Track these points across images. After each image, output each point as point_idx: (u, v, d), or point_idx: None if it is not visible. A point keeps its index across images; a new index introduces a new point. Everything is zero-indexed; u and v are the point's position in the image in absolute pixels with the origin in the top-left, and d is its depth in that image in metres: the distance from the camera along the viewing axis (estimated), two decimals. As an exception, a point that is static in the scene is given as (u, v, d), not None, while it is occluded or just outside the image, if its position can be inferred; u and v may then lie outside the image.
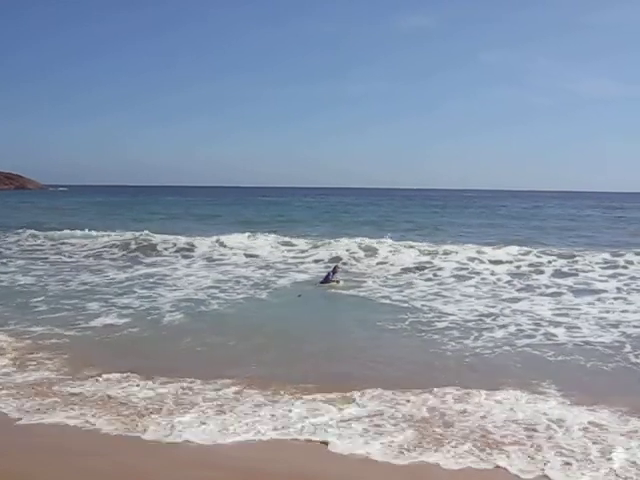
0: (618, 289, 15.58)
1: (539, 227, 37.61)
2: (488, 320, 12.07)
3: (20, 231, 28.03)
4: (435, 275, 17.81)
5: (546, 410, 7.33)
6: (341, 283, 15.69)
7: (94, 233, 26.92)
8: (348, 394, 7.73)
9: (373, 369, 9.05)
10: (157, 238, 24.68)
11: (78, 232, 27.47)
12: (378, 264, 19.85)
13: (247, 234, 25.05)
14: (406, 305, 13.55)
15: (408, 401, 7.59)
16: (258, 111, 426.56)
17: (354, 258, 20.74)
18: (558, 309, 13.16)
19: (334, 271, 16.21)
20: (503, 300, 14.19)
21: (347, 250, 21.59)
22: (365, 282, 16.31)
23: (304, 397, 7.64)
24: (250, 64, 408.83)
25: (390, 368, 9.14)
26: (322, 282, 15.89)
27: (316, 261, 20.36)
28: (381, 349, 10.23)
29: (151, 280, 16.48)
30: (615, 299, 14.34)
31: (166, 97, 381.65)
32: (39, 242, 25.83)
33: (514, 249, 20.92)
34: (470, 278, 17.17)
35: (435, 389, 7.97)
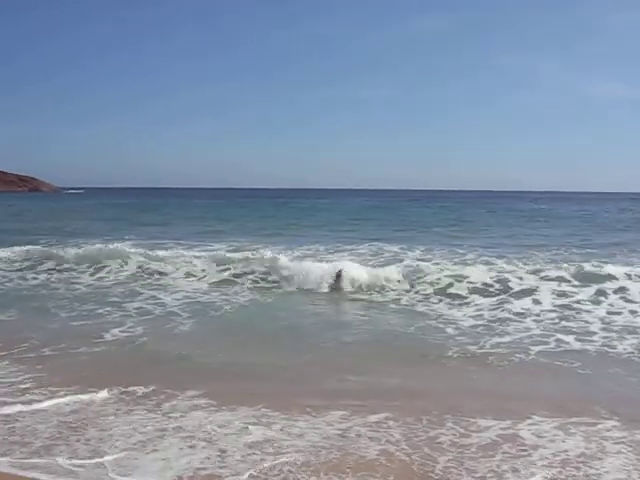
0: None
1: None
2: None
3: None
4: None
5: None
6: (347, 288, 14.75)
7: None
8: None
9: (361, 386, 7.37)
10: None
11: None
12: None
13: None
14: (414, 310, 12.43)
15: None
16: (264, 114, 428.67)
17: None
18: None
19: (338, 276, 15.19)
20: None
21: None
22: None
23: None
24: (257, 67, 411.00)
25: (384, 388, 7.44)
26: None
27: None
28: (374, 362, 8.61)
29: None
30: None
31: (170, 99, 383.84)
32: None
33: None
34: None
35: (425, 418, 6.17)
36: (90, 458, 5.26)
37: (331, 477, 4.94)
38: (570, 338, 9.68)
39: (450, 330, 10.33)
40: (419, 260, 16.59)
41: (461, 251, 19.26)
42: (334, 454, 5.36)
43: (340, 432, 5.86)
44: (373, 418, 6.20)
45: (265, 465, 5.14)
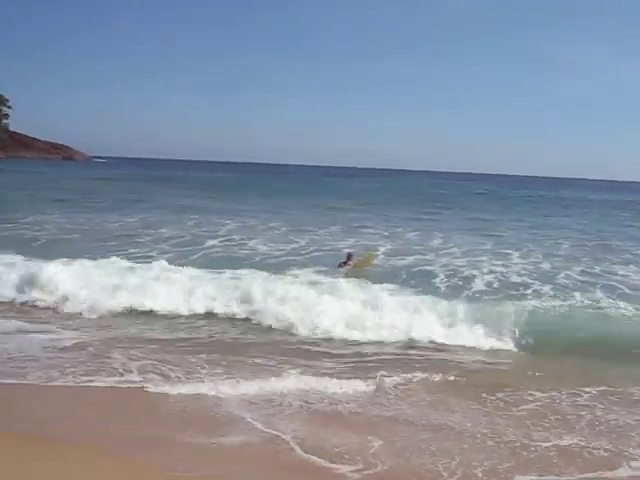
0: None
1: None
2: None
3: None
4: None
5: None
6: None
7: None
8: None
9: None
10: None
11: None
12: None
13: None
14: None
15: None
16: (287, 87, 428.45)
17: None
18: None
19: (348, 259, 15.01)
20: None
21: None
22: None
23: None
24: (286, 37, 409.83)
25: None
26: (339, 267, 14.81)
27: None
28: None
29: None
30: None
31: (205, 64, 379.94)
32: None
33: None
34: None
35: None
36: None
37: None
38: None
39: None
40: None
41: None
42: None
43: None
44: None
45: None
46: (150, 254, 15.65)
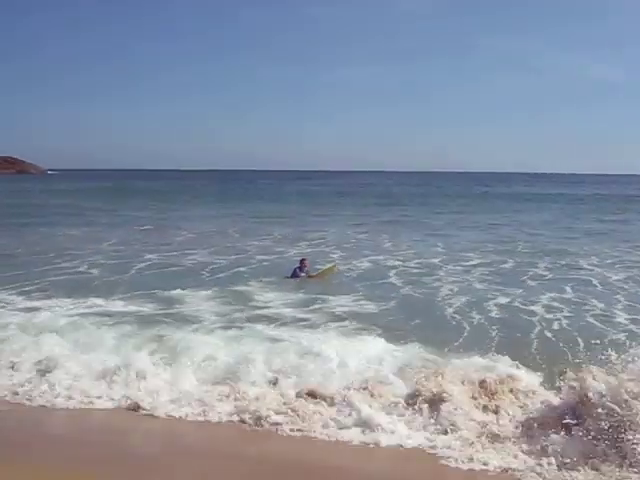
0: None
1: None
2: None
3: None
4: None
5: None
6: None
7: None
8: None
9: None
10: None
11: None
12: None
13: None
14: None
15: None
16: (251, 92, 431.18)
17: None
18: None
19: (301, 266, 13.84)
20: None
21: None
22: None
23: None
24: (244, 44, 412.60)
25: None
26: (290, 277, 13.65)
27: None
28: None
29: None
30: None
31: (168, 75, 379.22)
32: None
33: None
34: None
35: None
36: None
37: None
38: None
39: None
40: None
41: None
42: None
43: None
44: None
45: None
46: (80, 268, 14.60)
